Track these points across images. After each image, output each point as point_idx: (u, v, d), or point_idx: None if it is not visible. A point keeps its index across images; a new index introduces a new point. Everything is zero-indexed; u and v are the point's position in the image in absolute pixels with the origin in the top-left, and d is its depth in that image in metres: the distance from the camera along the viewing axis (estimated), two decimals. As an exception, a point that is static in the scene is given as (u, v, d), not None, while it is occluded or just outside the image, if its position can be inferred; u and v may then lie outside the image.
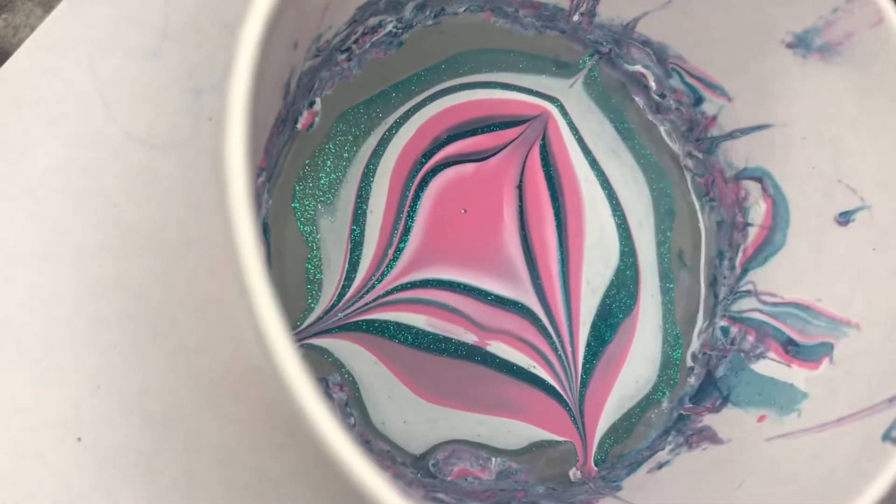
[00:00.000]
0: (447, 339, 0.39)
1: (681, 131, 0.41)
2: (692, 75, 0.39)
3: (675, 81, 0.39)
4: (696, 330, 0.40)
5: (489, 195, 0.40)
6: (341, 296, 0.38)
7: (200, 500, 0.39)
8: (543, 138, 0.41)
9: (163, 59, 0.41)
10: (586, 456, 0.39)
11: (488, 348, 0.39)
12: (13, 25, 0.42)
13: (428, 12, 0.39)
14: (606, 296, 0.40)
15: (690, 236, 0.41)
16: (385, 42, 0.39)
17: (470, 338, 0.39)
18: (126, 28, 0.41)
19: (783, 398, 0.35)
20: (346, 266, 0.38)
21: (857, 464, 0.30)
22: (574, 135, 0.41)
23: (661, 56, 0.39)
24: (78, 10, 0.41)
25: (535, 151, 0.41)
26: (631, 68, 0.41)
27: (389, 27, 0.38)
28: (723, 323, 0.39)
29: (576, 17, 0.39)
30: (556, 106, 0.41)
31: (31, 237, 0.40)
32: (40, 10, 0.42)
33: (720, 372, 0.38)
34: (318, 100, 0.38)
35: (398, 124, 0.39)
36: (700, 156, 0.40)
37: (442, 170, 0.40)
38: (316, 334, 0.38)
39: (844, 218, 0.35)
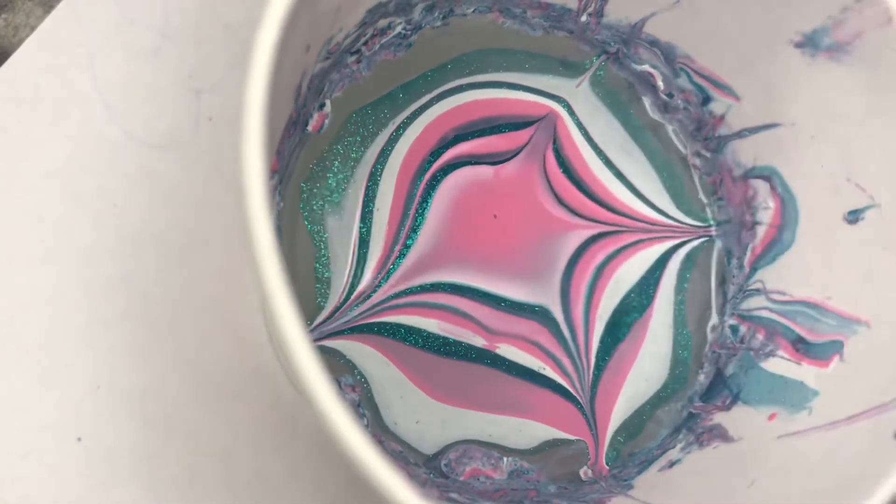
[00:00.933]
0: (457, 343, 0.39)
1: (689, 131, 0.41)
2: (700, 75, 0.39)
3: (683, 81, 0.39)
4: (706, 328, 0.40)
5: (513, 200, 0.40)
6: (350, 293, 0.38)
7: (200, 500, 0.39)
8: (555, 140, 0.41)
9: (163, 59, 0.41)
10: (598, 455, 0.39)
11: (497, 351, 0.39)
12: (13, 25, 0.41)
13: (436, 14, 0.39)
14: (628, 294, 0.40)
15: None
16: (394, 44, 0.39)
17: (478, 341, 0.39)
18: (126, 28, 0.41)
19: (793, 396, 0.35)
20: (354, 264, 0.38)
21: (869, 461, 0.30)
22: (583, 134, 0.41)
23: (668, 56, 0.39)
24: (78, 10, 0.41)
25: (550, 154, 0.41)
26: (639, 68, 0.41)
27: (398, 29, 0.38)
28: (732, 321, 0.39)
29: (584, 18, 0.39)
30: (563, 106, 0.41)
31: (31, 237, 0.39)
32: (40, 10, 0.41)
33: (730, 370, 0.38)
34: (328, 102, 0.38)
35: (405, 124, 0.39)
36: (708, 155, 0.40)
37: (453, 170, 0.40)
38: (329, 336, 0.38)
39: (853, 216, 0.35)
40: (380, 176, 0.39)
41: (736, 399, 0.38)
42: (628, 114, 0.41)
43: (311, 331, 0.38)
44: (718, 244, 0.41)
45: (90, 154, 0.40)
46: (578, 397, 0.39)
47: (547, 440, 0.39)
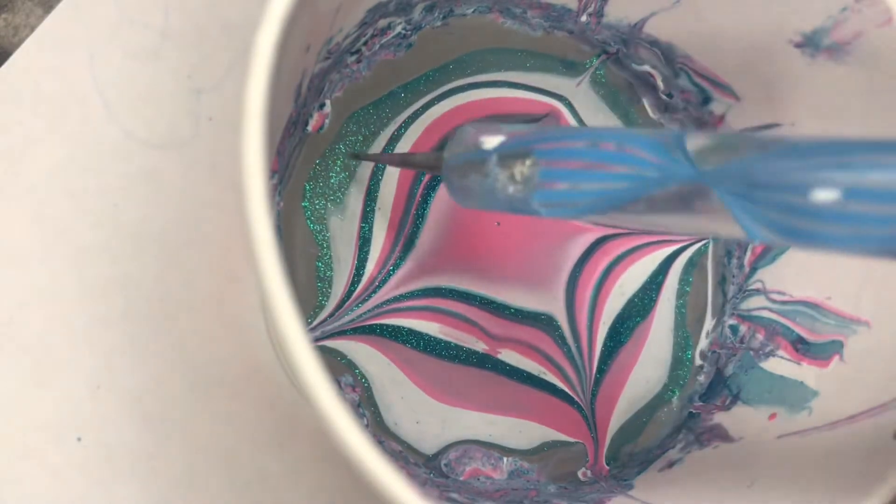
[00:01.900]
0: (458, 347, 0.39)
1: (689, 131, 0.41)
2: (700, 75, 0.39)
3: (682, 81, 0.39)
4: (706, 328, 0.40)
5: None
6: (351, 293, 0.38)
7: (200, 499, 0.39)
8: None
9: (163, 59, 0.41)
10: (597, 456, 0.39)
11: (498, 356, 0.39)
12: (13, 25, 0.41)
13: (436, 14, 0.39)
14: (632, 299, 0.40)
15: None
16: (394, 44, 0.39)
17: (480, 346, 0.39)
18: (126, 28, 0.41)
19: (793, 396, 0.35)
20: (356, 263, 0.38)
21: (869, 462, 0.30)
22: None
23: (668, 56, 0.39)
24: (78, 10, 0.41)
25: None
26: (639, 68, 0.41)
27: (398, 29, 0.38)
28: (732, 321, 0.39)
29: (584, 18, 0.39)
30: (565, 104, 0.41)
31: (31, 237, 0.39)
32: (40, 10, 0.41)
33: (730, 370, 0.38)
34: (328, 102, 0.38)
35: (406, 124, 0.39)
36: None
37: None
38: (329, 336, 0.38)
39: (854, 216, 0.35)
40: (381, 175, 0.39)
41: (736, 399, 0.38)
42: (629, 112, 0.41)
43: (312, 329, 0.38)
44: (718, 244, 0.41)
45: (90, 154, 0.40)
46: (579, 401, 0.39)
47: (546, 441, 0.39)
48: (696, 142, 0.26)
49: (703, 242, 0.41)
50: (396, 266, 0.39)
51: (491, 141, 0.32)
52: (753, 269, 0.39)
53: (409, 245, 0.39)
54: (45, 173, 0.40)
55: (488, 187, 0.31)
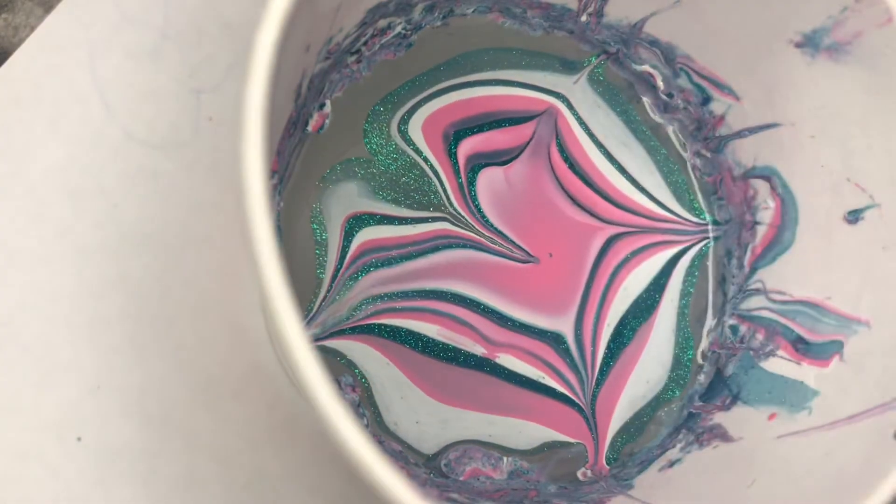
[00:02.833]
0: (456, 349, 0.39)
1: (689, 131, 0.41)
2: (700, 75, 0.39)
3: (683, 81, 0.39)
4: (706, 328, 0.40)
5: (527, 207, 0.40)
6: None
7: (200, 500, 0.39)
8: (558, 135, 0.41)
9: (163, 59, 0.41)
10: (597, 456, 0.39)
11: (497, 360, 0.39)
12: (13, 25, 0.41)
13: (436, 14, 0.39)
14: (636, 301, 0.40)
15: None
16: (394, 44, 0.39)
17: (478, 350, 0.39)
18: (126, 28, 0.41)
19: (793, 396, 0.35)
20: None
21: (869, 461, 0.30)
22: (584, 129, 0.41)
23: (668, 56, 0.39)
24: (78, 10, 0.41)
25: (555, 151, 0.41)
26: (639, 68, 0.41)
27: (398, 29, 0.38)
28: (732, 321, 0.39)
29: (584, 18, 0.39)
30: (563, 102, 0.41)
31: (31, 237, 0.39)
32: (40, 10, 0.41)
33: (730, 370, 0.39)
34: (328, 102, 0.38)
35: (405, 120, 0.39)
36: (708, 155, 0.40)
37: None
38: (329, 335, 0.38)
39: (853, 216, 0.35)
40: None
41: (736, 399, 0.38)
42: (628, 111, 0.41)
43: (310, 324, 0.38)
44: (718, 244, 0.41)
45: (90, 154, 0.40)
46: (580, 403, 0.39)
47: (546, 442, 0.39)
48: None
49: (705, 242, 0.41)
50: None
51: None
52: (753, 269, 0.39)
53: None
54: (45, 173, 0.40)
55: None
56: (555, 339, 0.40)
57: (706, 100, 0.39)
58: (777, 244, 0.38)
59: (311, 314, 0.38)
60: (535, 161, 0.40)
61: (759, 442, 0.35)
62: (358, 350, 0.38)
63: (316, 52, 0.32)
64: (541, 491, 0.37)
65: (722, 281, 0.40)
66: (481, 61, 0.40)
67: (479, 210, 0.40)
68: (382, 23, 0.37)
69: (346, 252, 0.38)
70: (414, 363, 0.38)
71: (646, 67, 0.40)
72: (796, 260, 0.37)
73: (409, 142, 0.39)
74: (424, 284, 0.39)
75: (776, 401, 0.36)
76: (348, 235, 0.38)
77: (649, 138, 0.41)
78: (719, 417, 0.38)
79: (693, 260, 0.41)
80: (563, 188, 0.40)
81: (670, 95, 0.40)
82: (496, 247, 0.39)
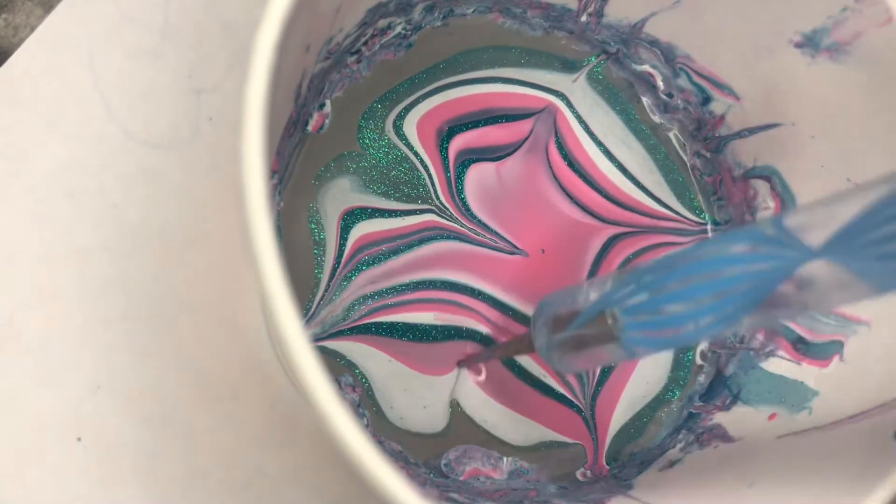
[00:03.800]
0: (458, 328, 0.39)
1: (689, 131, 0.41)
2: (700, 75, 0.39)
3: (682, 81, 0.39)
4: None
5: (523, 203, 0.40)
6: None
7: (200, 500, 0.39)
8: (556, 133, 0.41)
9: (163, 59, 0.41)
10: (597, 456, 0.39)
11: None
12: (13, 25, 0.41)
13: (436, 14, 0.39)
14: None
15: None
16: (394, 44, 0.39)
17: (482, 329, 0.39)
18: (126, 28, 0.41)
19: (793, 396, 0.35)
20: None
21: (869, 462, 0.30)
22: (583, 128, 0.41)
23: (668, 56, 0.39)
24: (78, 9, 0.41)
25: (554, 149, 0.41)
26: (639, 68, 0.41)
27: (398, 29, 0.38)
28: (732, 321, 0.39)
29: (584, 18, 0.39)
30: (562, 100, 0.41)
31: (31, 237, 0.39)
32: (40, 10, 0.41)
33: (730, 370, 0.38)
34: (328, 102, 0.38)
35: (401, 116, 0.40)
36: (708, 155, 0.40)
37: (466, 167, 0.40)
38: (328, 337, 0.38)
39: (854, 216, 0.35)
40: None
41: (736, 399, 0.38)
42: (628, 110, 0.41)
43: (308, 323, 0.38)
44: None
45: (90, 154, 0.40)
46: (579, 405, 0.39)
47: (544, 441, 0.39)
48: (794, 220, 0.25)
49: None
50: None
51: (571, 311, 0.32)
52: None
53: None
54: (45, 173, 0.40)
55: (581, 351, 0.31)
56: None
57: (706, 100, 0.39)
58: (777, 244, 0.38)
59: (310, 314, 0.38)
60: (532, 157, 0.40)
61: (759, 442, 0.35)
62: (357, 350, 0.38)
63: (316, 52, 0.32)
64: (541, 491, 0.37)
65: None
66: (481, 59, 0.40)
67: (465, 202, 0.40)
68: (382, 23, 0.37)
69: (343, 250, 0.38)
70: (415, 353, 0.38)
71: (646, 67, 0.40)
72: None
73: (402, 136, 0.39)
74: (415, 276, 0.39)
75: (776, 401, 0.36)
76: (344, 232, 0.38)
77: (649, 137, 0.41)
78: (719, 417, 0.38)
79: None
80: (560, 185, 0.40)
81: (670, 95, 0.40)
82: (480, 238, 0.39)
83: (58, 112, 0.40)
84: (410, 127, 0.40)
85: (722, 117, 0.39)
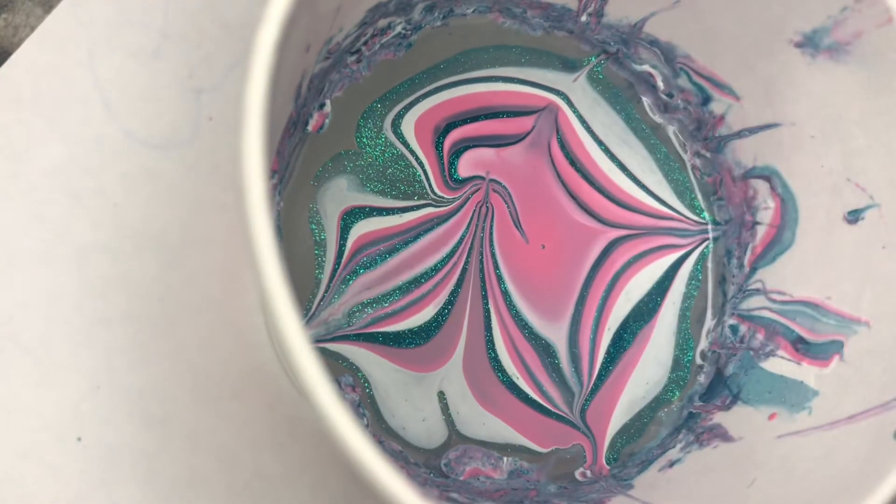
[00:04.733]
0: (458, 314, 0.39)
1: (689, 131, 0.41)
2: (700, 75, 0.39)
3: (682, 81, 0.39)
4: (706, 328, 0.40)
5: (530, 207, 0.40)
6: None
7: (200, 500, 0.39)
8: (558, 132, 0.41)
9: (163, 59, 0.41)
10: (596, 456, 0.39)
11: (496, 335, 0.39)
12: (13, 25, 0.41)
13: (436, 14, 0.39)
14: (638, 304, 0.40)
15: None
16: (394, 44, 0.39)
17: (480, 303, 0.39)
18: (126, 28, 0.41)
19: (794, 396, 0.35)
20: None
21: (869, 461, 0.30)
22: (584, 127, 0.41)
23: (668, 56, 0.39)
24: (78, 10, 0.41)
25: (556, 146, 0.41)
26: (639, 68, 0.41)
27: (398, 29, 0.38)
28: (732, 321, 0.39)
29: (584, 18, 0.39)
30: (563, 99, 0.41)
31: (31, 237, 0.39)
32: (40, 10, 0.41)
33: (730, 370, 0.38)
34: (328, 102, 0.38)
35: (400, 115, 0.40)
36: (708, 155, 0.40)
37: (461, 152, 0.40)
38: (331, 339, 0.38)
39: (853, 216, 0.35)
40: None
41: (736, 399, 0.38)
42: (628, 109, 0.41)
43: (308, 324, 0.38)
44: (719, 244, 0.41)
45: (90, 154, 0.40)
46: (569, 417, 0.39)
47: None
48: None
49: (706, 245, 0.41)
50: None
51: None
52: (753, 269, 0.39)
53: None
54: (45, 173, 0.40)
55: None
56: (545, 349, 0.39)
57: (706, 100, 0.39)
58: (777, 244, 0.38)
59: (310, 314, 0.38)
60: (535, 152, 0.40)
61: (759, 442, 0.35)
62: (361, 355, 0.38)
63: (316, 52, 0.32)
64: (541, 491, 0.37)
65: (722, 281, 0.40)
66: (481, 59, 0.40)
67: (457, 179, 0.40)
68: (382, 23, 0.37)
69: (343, 250, 0.38)
70: (415, 356, 0.38)
71: (646, 67, 0.40)
72: (796, 260, 0.37)
73: (399, 135, 0.39)
74: (411, 273, 0.39)
75: (776, 401, 0.36)
76: (344, 232, 0.38)
77: (649, 137, 0.41)
78: (719, 417, 0.38)
79: (696, 263, 0.41)
80: (563, 184, 0.40)
81: (670, 95, 0.40)
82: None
83: (58, 112, 0.40)
84: (408, 125, 0.40)
85: (722, 117, 0.39)
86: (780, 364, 0.37)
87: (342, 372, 0.38)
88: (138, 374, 0.39)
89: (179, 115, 0.41)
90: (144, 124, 0.41)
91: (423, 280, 0.39)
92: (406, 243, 0.39)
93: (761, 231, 0.39)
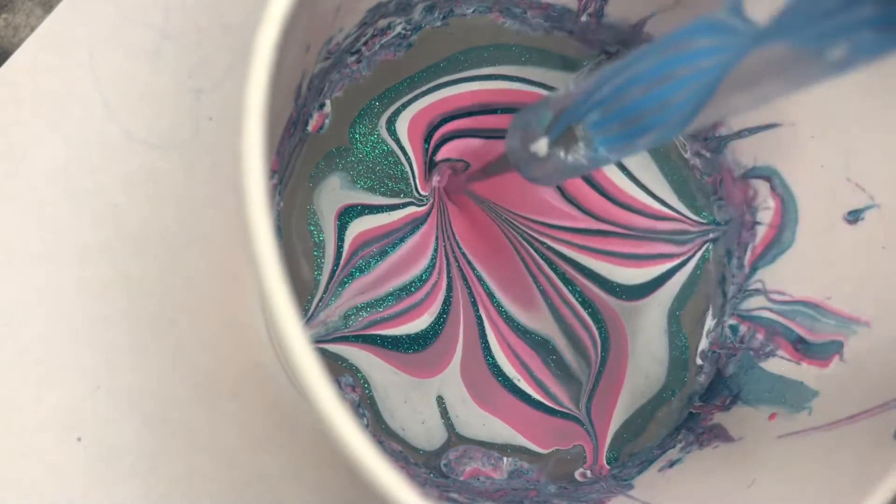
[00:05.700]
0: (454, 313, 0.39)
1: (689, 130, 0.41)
2: (700, 75, 0.39)
3: (683, 81, 0.39)
4: (706, 328, 0.40)
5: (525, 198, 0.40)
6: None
7: (200, 500, 0.39)
8: None
9: (163, 59, 0.41)
10: (596, 456, 0.39)
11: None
12: (13, 25, 0.41)
13: (436, 14, 0.39)
14: (626, 294, 0.40)
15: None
16: (394, 44, 0.39)
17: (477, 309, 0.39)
18: (126, 28, 0.41)
19: (793, 396, 0.35)
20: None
21: (869, 461, 0.30)
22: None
23: (668, 56, 0.39)
24: (78, 10, 0.41)
25: None
26: (639, 68, 0.41)
27: (398, 29, 0.38)
28: (732, 321, 0.39)
29: (584, 18, 0.39)
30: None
31: (31, 237, 0.39)
32: (40, 10, 0.41)
33: (730, 370, 0.39)
34: (328, 102, 0.38)
35: (397, 112, 0.40)
36: (708, 155, 0.40)
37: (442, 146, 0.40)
38: (331, 340, 0.38)
39: (853, 216, 0.35)
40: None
41: (736, 399, 0.38)
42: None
43: (308, 324, 0.38)
44: (718, 244, 0.41)
45: (90, 154, 0.40)
46: (574, 413, 0.39)
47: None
48: None
49: (706, 248, 0.41)
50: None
51: (536, 132, 0.31)
52: (753, 269, 0.39)
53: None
54: (45, 173, 0.40)
55: (557, 166, 0.31)
56: (542, 345, 0.39)
57: (706, 100, 0.39)
58: (777, 244, 0.38)
59: (310, 314, 0.38)
60: None
61: (759, 442, 0.35)
62: (360, 356, 0.38)
63: (316, 52, 0.32)
64: (541, 491, 0.37)
65: (722, 281, 0.40)
66: (481, 58, 0.40)
67: (435, 162, 0.40)
68: (382, 23, 0.37)
69: (342, 251, 0.38)
70: (415, 361, 0.38)
71: (646, 68, 0.40)
72: (796, 260, 0.37)
73: (393, 132, 0.39)
74: (402, 280, 0.39)
75: (776, 401, 0.36)
76: (341, 232, 0.38)
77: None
78: (719, 417, 0.38)
79: (696, 266, 0.41)
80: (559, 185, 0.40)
81: (670, 95, 0.40)
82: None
83: (58, 112, 0.40)
84: (403, 123, 0.40)
85: (722, 117, 0.39)
86: (780, 364, 0.37)
87: (342, 372, 0.38)
88: (138, 374, 0.39)
89: (179, 115, 0.41)
90: (144, 124, 0.41)
91: (412, 289, 0.39)
92: (394, 245, 0.39)
93: (761, 231, 0.39)
